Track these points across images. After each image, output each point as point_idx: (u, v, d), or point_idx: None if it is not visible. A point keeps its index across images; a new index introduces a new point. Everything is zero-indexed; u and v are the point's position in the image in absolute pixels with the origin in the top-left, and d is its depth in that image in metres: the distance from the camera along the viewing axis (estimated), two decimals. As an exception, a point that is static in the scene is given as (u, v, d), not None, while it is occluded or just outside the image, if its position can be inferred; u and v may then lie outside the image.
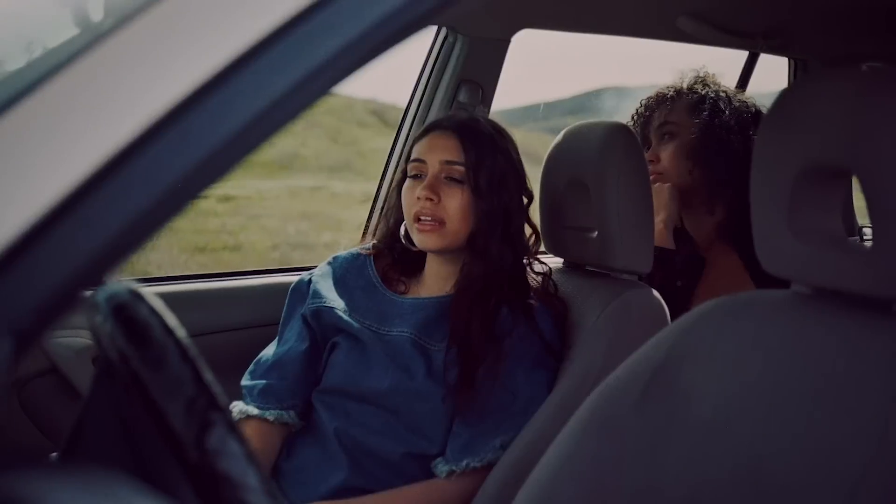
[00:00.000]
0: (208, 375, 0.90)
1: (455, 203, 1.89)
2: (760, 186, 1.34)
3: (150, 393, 0.84)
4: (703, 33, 2.24)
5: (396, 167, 2.44)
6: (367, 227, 2.48)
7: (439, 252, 1.95)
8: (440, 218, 1.89)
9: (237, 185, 10.07)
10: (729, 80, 2.39)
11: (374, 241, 2.07)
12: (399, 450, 1.84)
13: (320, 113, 11.08)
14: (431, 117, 2.38)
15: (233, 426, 0.92)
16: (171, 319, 0.91)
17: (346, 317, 1.92)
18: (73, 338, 2.09)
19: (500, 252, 1.91)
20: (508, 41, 2.36)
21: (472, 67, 2.35)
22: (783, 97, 1.35)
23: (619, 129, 1.95)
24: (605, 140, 1.94)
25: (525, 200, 1.99)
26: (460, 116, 1.99)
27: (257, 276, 2.45)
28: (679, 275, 2.26)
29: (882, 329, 1.22)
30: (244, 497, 0.90)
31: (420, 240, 1.91)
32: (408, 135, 2.44)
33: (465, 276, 1.93)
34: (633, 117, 2.41)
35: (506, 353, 1.85)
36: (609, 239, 1.92)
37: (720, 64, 2.39)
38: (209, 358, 1.99)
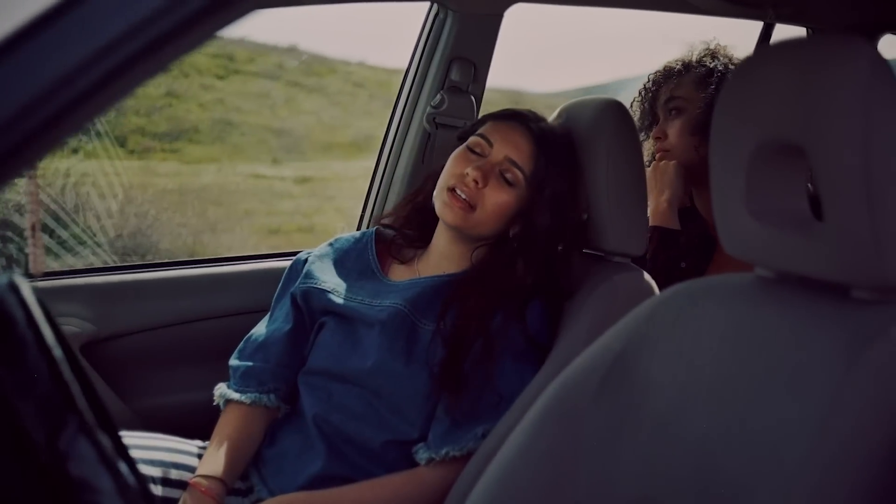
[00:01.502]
0: (69, 375, 0.87)
1: (495, 200, 1.85)
2: (718, 164, 1.29)
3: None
4: (710, 4, 2.15)
5: (392, 147, 2.39)
6: (363, 214, 2.44)
7: (452, 230, 1.90)
8: (474, 202, 1.85)
9: (315, 165, 10.18)
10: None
11: (379, 224, 2.05)
12: (379, 437, 1.81)
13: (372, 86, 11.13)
14: (424, 96, 2.34)
15: (88, 427, 0.90)
16: (41, 315, 0.89)
17: (335, 297, 1.89)
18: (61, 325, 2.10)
19: (525, 271, 1.87)
20: (501, 17, 2.29)
21: (463, 44, 2.29)
22: (740, 70, 1.29)
23: (611, 105, 1.88)
24: (594, 118, 1.88)
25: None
26: (547, 123, 1.94)
27: (252, 261, 2.43)
28: (684, 256, 2.18)
29: (837, 315, 1.15)
30: (96, 500, 0.88)
31: (441, 209, 1.88)
32: (401, 116, 2.39)
33: (479, 269, 1.89)
34: (640, 92, 2.33)
35: (493, 344, 1.80)
36: (599, 220, 1.86)
37: (734, 38, 2.30)
38: (203, 343, 1.98)
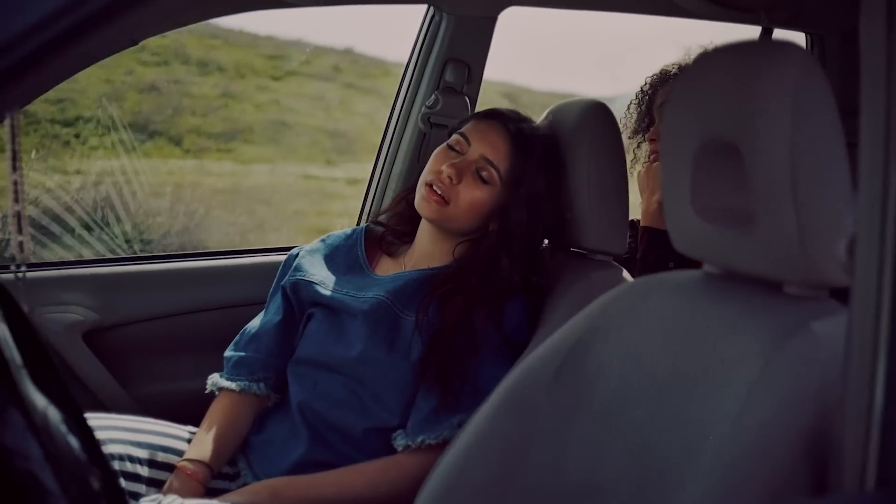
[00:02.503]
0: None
1: (469, 196, 1.92)
2: (667, 163, 1.34)
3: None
4: (701, 8, 2.19)
5: (389, 145, 2.46)
6: (361, 210, 2.51)
7: (430, 223, 1.97)
8: (448, 197, 1.92)
9: (367, 167, 10.28)
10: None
11: (372, 221, 2.12)
12: (361, 425, 1.88)
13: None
14: (420, 96, 2.40)
15: (18, 396, 0.97)
16: None
17: (322, 290, 1.96)
18: (63, 313, 2.20)
19: (505, 264, 1.93)
20: (495, 19, 2.35)
21: (458, 46, 2.36)
22: (688, 73, 1.34)
23: (595, 107, 1.93)
24: (578, 118, 1.93)
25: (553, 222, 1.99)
26: (525, 124, 1.99)
27: (250, 255, 2.50)
28: (672, 255, 2.22)
29: (767, 310, 1.21)
30: (26, 466, 0.95)
31: (418, 202, 1.95)
32: (399, 115, 2.46)
33: (459, 264, 1.96)
34: (636, 95, 2.37)
35: (472, 338, 1.86)
36: (581, 219, 1.91)
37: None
38: (202, 334, 2.05)
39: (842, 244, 1.10)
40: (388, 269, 2.03)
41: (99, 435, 1.77)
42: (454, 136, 1.97)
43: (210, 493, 1.85)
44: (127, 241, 7.63)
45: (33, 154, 8.64)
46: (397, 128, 2.45)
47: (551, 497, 1.43)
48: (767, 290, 1.22)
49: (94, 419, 1.85)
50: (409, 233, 2.07)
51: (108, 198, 8.53)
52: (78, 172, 9.86)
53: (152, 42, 11.79)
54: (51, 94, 9.70)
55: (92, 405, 2.10)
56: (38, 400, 1.12)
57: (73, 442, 1.14)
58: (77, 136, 10.89)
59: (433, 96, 2.36)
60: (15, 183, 1.45)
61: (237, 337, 2.03)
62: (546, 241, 2.04)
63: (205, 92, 11.42)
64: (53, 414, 1.12)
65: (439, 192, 1.91)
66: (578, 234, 1.92)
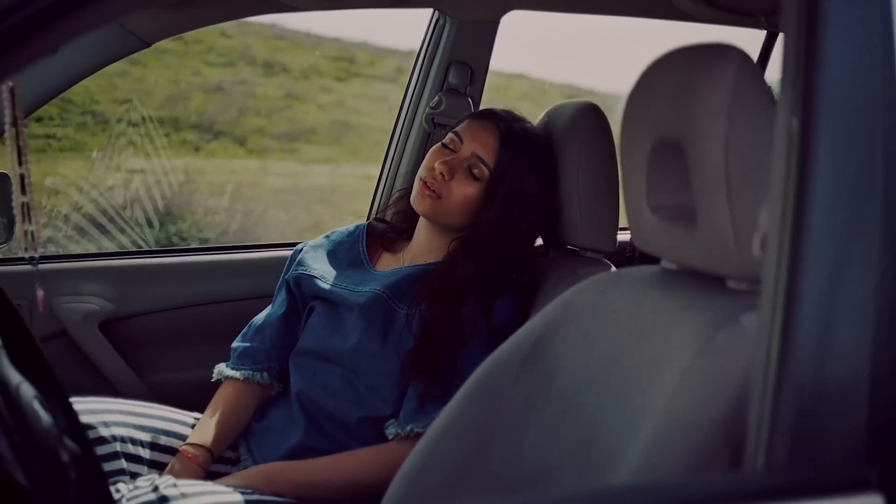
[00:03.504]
0: None
1: (461, 192, 2.00)
2: (625, 164, 1.40)
3: None
4: (701, 12, 2.23)
5: (397, 144, 2.54)
6: (370, 207, 2.59)
7: (426, 218, 2.06)
8: (440, 193, 1.99)
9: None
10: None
11: (376, 218, 2.20)
12: (355, 413, 1.96)
13: (515, 98, 11.20)
14: (426, 97, 2.48)
15: None
16: None
17: (322, 283, 2.05)
18: (80, 303, 2.31)
19: (490, 260, 1.99)
20: (497, 22, 2.42)
21: (461, 49, 2.44)
22: (641, 77, 1.39)
23: (586, 108, 1.99)
24: (570, 119, 1.99)
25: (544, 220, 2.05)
26: (515, 121, 2.06)
27: (260, 249, 2.60)
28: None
29: (707, 304, 1.26)
30: None
31: (413, 198, 2.04)
32: (405, 116, 2.54)
33: (451, 260, 2.03)
34: None
35: (461, 331, 1.92)
36: (571, 216, 1.97)
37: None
38: (214, 325, 2.14)
39: (757, 240, 1.16)
40: (387, 264, 2.11)
41: (103, 418, 1.88)
42: (449, 135, 2.05)
43: (211, 476, 1.95)
44: (183, 240, 7.80)
45: (95, 153, 8.85)
46: (403, 128, 2.53)
47: (511, 481, 1.50)
48: (713, 284, 1.28)
49: (100, 403, 1.95)
50: (409, 230, 2.14)
51: (167, 196, 8.72)
52: (141, 171, 10.06)
53: (219, 43, 12.00)
54: (118, 94, 9.89)
55: (107, 391, 2.21)
56: (13, 377, 1.21)
57: (45, 416, 1.22)
58: (144, 135, 11.11)
59: (437, 97, 2.44)
60: (21, 176, 1.56)
61: (245, 328, 2.12)
62: (540, 239, 2.10)
63: (269, 93, 11.57)
64: (27, 390, 1.21)
65: (432, 187, 1.98)
66: (570, 232, 1.98)
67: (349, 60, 12.40)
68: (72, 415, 1.39)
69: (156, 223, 8.11)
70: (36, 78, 2.03)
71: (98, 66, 2.11)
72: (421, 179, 2.01)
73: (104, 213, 8.21)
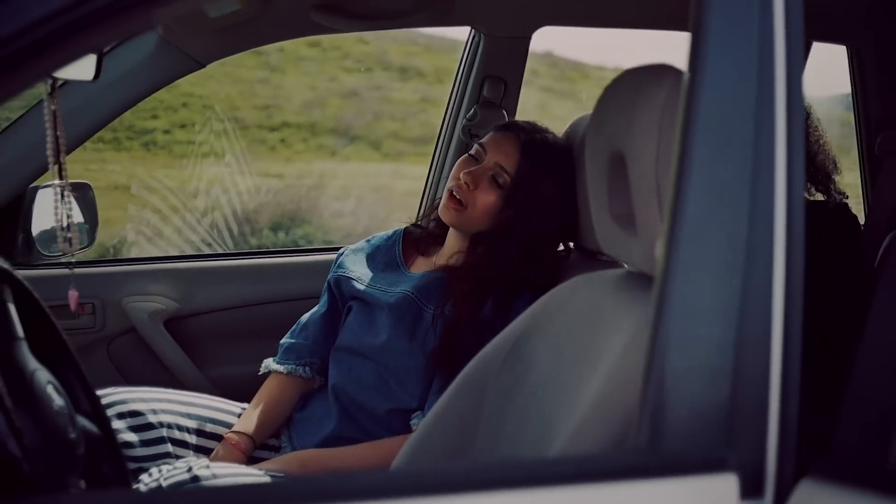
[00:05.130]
0: None
1: (484, 200, 2.16)
2: (589, 174, 1.54)
3: None
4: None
5: (438, 155, 2.71)
6: (418, 213, 2.76)
7: (452, 227, 2.22)
8: (466, 202, 2.16)
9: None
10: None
11: (411, 223, 2.38)
12: (385, 405, 2.14)
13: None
14: (464, 109, 2.64)
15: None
16: None
17: (358, 284, 2.24)
18: (147, 302, 2.55)
19: (509, 261, 2.15)
20: (529, 38, 2.56)
21: (494, 64, 2.60)
22: (602, 95, 1.54)
23: None
24: (586, 130, 2.12)
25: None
26: (537, 132, 2.21)
27: (314, 253, 2.81)
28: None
29: (646, 303, 1.39)
30: None
31: (441, 209, 2.21)
32: (447, 127, 2.71)
33: (472, 262, 2.19)
34: None
35: (481, 329, 2.08)
36: (587, 222, 2.09)
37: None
38: (269, 323, 2.35)
39: (658, 244, 1.28)
40: (421, 267, 2.28)
41: (152, 406, 2.11)
42: (475, 146, 2.21)
43: (253, 461, 2.15)
44: (309, 243, 8.09)
45: (226, 158, 9.22)
46: (444, 138, 2.70)
47: (488, 467, 1.65)
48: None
49: (151, 393, 2.17)
50: (442, 235, 2.31)
51: (297, 199, 9.03)
52: (280, 176, 10.39)
53: (356, 49, 12.30)
54: (258, 100, 10.30)
55: (171, 384, 2.41)
56: (30, 364, 1.43)
57: (58, 399, 1.43)
58: (282, 140, 11.46)
59: (473, 110, 2.60)
60: (61, 188, 1.79)
61: (294, 327, 2.32)
62: (565, 244, 2.24)
63: (404, 97, 11.79)
64: (42, 376, 1.42)
65: (458, 196, 2.15)
66: (588, 237, 2.10)
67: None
68: (94, 398, 1.60)
69: (280, 227, 8.40)
70: (96, 99, 2.26)
71: (157, 87, 2.33)
72: (448, 190, 2.17)
73: (234, 216, 8.56)
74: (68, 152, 2.32)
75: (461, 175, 2.15)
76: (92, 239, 2.47)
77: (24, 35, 1.05)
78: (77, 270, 2.54)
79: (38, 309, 1.56)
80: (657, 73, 1.37)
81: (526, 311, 1.70)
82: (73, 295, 1.78)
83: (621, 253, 1.47)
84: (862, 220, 2.78)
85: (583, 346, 1.51)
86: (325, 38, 11.72)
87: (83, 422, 1.52)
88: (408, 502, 1.03)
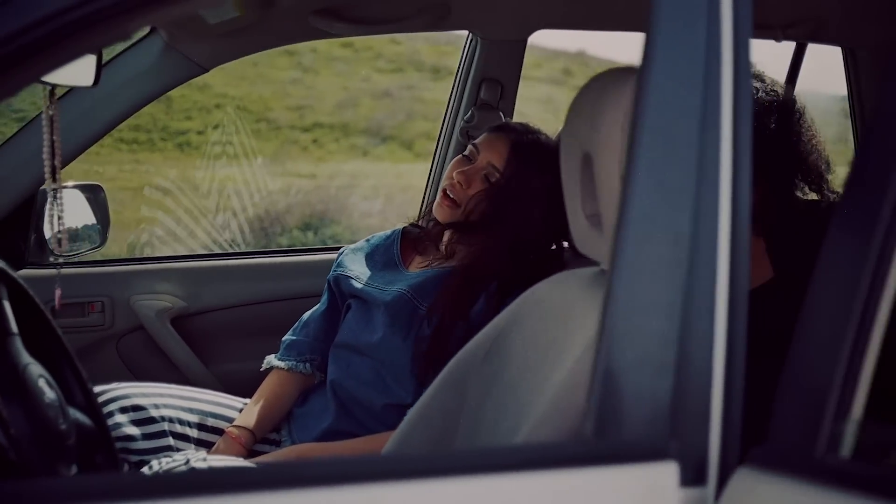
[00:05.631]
0: None
1: (477, 199, 2.22)
2: (564, 174, 1.60)
3: None
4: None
5: (438, 156, 2.77)
6: (419, 213, 2.82)
7: (446, 224, 2.29)
8: (459, 201, 2.22)
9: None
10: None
11: (409, 223, 2.44)
12: (381, 400, 2.21)
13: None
14: (462, 111, 2.70)
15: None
16: None
17: (356, 283, 2.31)
18: (155, 301, 2.64)
19: (502, 260, 2.21)
20: (525, 42, 2.62)
21: (492, 67, 2.66)
22: (575, 97, 1.59)
23: None
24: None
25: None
26: (528, 133, 2.29)
27: (316, 252, 2.89)
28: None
29: None
30: None
31: (435, 208, 2.29)
32: (446, 129, 2.77)
33: (466, 261, 2.26)
34: None
35: (471, 327, 2.14)
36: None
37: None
38: (273, 321, 2.43)
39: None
40: (418, 266, 2.34)
41: (154, 400, 2.18)
42: (468, 147, 2.27)
43: (253, 455, 2.23)
44: (337, 243, 8.16)
45: (259, 160, 9.31)
46: (444, 139, 2.77)
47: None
48: None
49: (154, 388, 2.25)
50: (439, 234, 2.37)
51: (326, 200, 9.11)
52: (313, 176, 10.47)
53: (388, 49, 12.37)
54: (291, 101, 10.40)
55: (178, 379, 2.49)
56: (23, 359, 1.50)
57: (49, 392, 1.50)
58: (315, 141, 11.54)
59: (470, 112, 2.67)
60: (55, 191, 1.87)
61: (296, 324, 2.40)
62: (558, 243, 2.30)
63: (437, 97, 11.85)
64: (34, 370, 1.50)
65: (451, 195, 2.21)
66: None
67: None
68: (88, 392, 1.68)
69: (312, 227, 8.47)
70: (104, 103, 2.34)
71: (163, 90, 2.41)
72: (442, 189, 2.24)
73: (266, 215, 8.65)
74: (77, 155, 2.41)
75: (454, 174, 2.22)
76: (104, 239, 2.56)
77: (21, 35, 1.11)
78: (86, 270, 2.63)
79: (34, 307, 1.63)
80: (623, 76, 1.43)
81: (506, 309, 1.75)
82: (58, 294, 1.87)
83: (593, 251, 1.52)
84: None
85: (553, 341, 1.57)
86: (358, 39, 11.80)
87: (76, 414, 1.60)
88: (357, 487, 1.08)
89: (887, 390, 1.10)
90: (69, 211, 2.53)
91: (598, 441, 1.16)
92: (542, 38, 13.31)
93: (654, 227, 1.17)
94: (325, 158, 11.17)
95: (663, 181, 1.18)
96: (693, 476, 1.13)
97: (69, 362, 1.68)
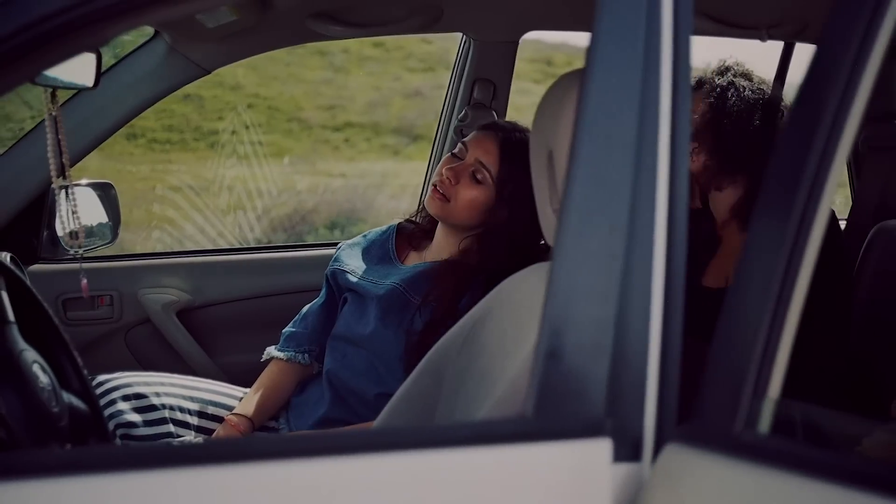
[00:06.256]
0: None
1: (465, 195, 2.33)
2: (533, 170, 1.68)
3: None
4: (707, 27, 2.45)
5: (435, 153, 2.87)
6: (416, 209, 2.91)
7: (437, 218, 2.39)
8: (448, 196, 2.32)
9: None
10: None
11: (404, 219, 2.54)
12: (374, 390, 2.31)
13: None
14: (457, 110, 2.79)
15: None
16: None
17: (351, 277, 2.41)
18: (161, 294, 2.75)
19: (491, 254, 2.31)
20: (517, 43, 2.70)
21: (484, 67, 2.75)
22: (543, 95, 1.68)
23: None
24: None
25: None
26: (516, 131, 2.37)
27: (318, 248, 2.99)
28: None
29: None
30: None
31: (426, 201, 2.39)
32: (441, 127, 2.86)
33: (457, 255, 2.36)
34: None
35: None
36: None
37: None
38: (276, 313, 2.54)
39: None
40: (412, 260, 2.44)
41: (156, 389, 2.29)
42: (458, 145, 2.36)
43: (252, 442, 2.32)
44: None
45: (286, 160, 9.42)
46: (440, 137, 2.86)
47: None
48: None
49: (157, 377, 2.36)
50: (432, 230, 2.46)
51: (354, 198, 9.21)
52: (342, 175, 10.57)
53: (419, 49, 12.45)
54: (322, 100, 10.49)
55: (183, 370, 2.60)
56: (18, 345, 1.61)
57: (43, 377, 1.61)
58: (346, 140, 11.63)
59: (464, 111, 2.76)
60: (65, 188, 1.97)
61: (297, 316, 2.50)
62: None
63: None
64: (29, 356, 1.60)
65: (441, 191, 2.30)
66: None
67: (546, 62, 12.56)
68: (83, 378, 1.78)
69: (339, 226, 8.58)
70: (103, 107, 2.45)
71: (167, 91, 2.52)
72: (433, 184, 2.33)
73: (295, 214, 8.76)
74: (89, 152, 2.52)
75: (444, 171, 2.31)
76: (115, 235, 2.67)
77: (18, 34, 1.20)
78: (96, 265, 2.74)
79: (32, 299, 1.74)
80: (575, 78, 1.51)
81: (483, 300, 1.83)
82: (84, 284, 1.98)
83: None
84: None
85: (519, 330, 1.65)
86: (389, 39, 11.90)
87: (71, 398, 1.70)
88: (310, 461, 1.16)
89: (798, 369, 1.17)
90: (82, 208, 2.64)
91: (537, 419, 1.23)
92: (574, 37, 13.30)
93: (592, 218, 1.24)
94: (357, 158, 11.27)
95: (601, 176, 1.25)
96: (627, 452, 1.20)
97: (65, 350, 1.79)
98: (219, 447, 1.25)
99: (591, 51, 1.24)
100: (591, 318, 1.23)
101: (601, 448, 1.19)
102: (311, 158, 10.85)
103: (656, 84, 1.23)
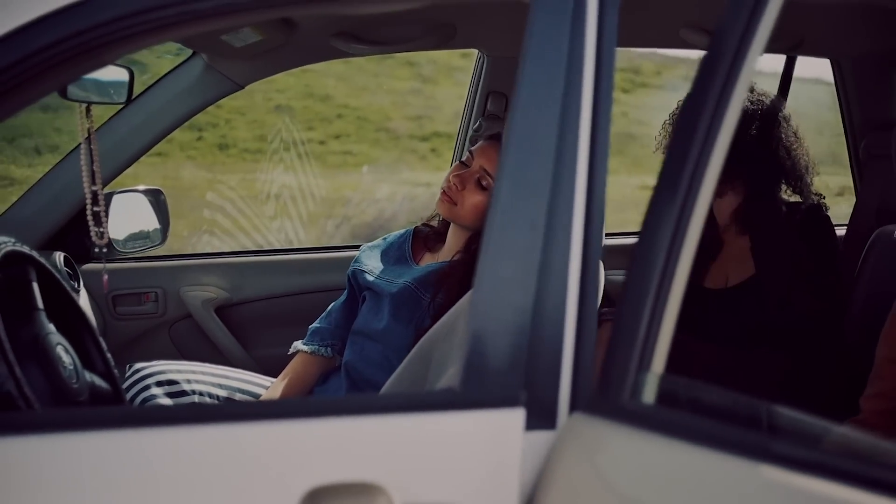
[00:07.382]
0: None
1: (471, 200, 2.55)
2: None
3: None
4: (704, 42, 2.61)
5: (454, 160, 3.07)
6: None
7: (446, 219, 2.61)
8: (455, 200, 2.55)
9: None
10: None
11: (421, 223, 2.76)
12: (387, 380, 2.50)
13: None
14: (474, 121, 3.00)
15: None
16: None
17: (368, 276, 2.63)
18: (201, 292, 3.00)
19: None
20: (527, 58, 2.89)
21: (497, 81, 2.95)
22: None
23: None
24: None
25: None
26: None
27: (349, 249, 3.22)
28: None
29: None
30: None
31: (437, 204, 2.61)
32: (460, 138, 3.07)
33: (465, 256, 2.56)
34: (670, 116, 2.81)
35: None
36: None
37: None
38: (308, 310, 2.81)
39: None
40: (426, 261, 2.65)
41: (187, 376, 2.53)
42: (466, 154, 2.57)
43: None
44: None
45: (365, 169, 9.66)
46: (458, 146, 3.07)
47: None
48: None
49: (190, 366, 2.59)
50: (445, 232, 2.67)
51: (430, 206, 9.41)
52: (427, 185, 10.78)
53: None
54: (410, 110, 10.75)
55: (221, 362, 2.82)
56: (45, 328, 1.85)
57: (66, 357, 1.84)
58: (433, 150, 11.84)
59: (478, 122, 2.96)
60: (94, 192, 2.21)
61: (323, 313, 2.73)
62: None
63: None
64: (54, 338, 1.84)
65: (449, 195, 2.52)
66: None
67: (634, 71, 12.58)
68: (106, 360, 2.02)
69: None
70: (152, 118, 2.71)
71: (205, 105, 2.77)
72: (442, 190, 2.54)
73: (374, 221, 9.00)
74: (133, 162, 2.78)
75: (452, 177, 2.52)
76: (164, 238, 2.93)
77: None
78: (144, 264, 3.01)
79: (60, 288, 1.98)
80: None
81: (470, 291, 2.03)
82: (105, 280, 2.24)
83: None
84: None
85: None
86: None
87: (94, 378, 1.93)
88: (260, 423, 1.36)
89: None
90: (134, 212, 2.90)
91: (462, 391, 1.40)
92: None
93: (515, 216, 1.41)
94: (443, 167, 11.46)
95: (524, 178, 1.41)
96: (540, 422, 1.37)
97: (91, 335, 2.03)
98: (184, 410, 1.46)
99: (520, 62, 1.40)
100: (512, 304, 1.40)
101: (515, 417, 1.36)
102: (398, 168, 11.05)
103: (578, 95, 1.38)
